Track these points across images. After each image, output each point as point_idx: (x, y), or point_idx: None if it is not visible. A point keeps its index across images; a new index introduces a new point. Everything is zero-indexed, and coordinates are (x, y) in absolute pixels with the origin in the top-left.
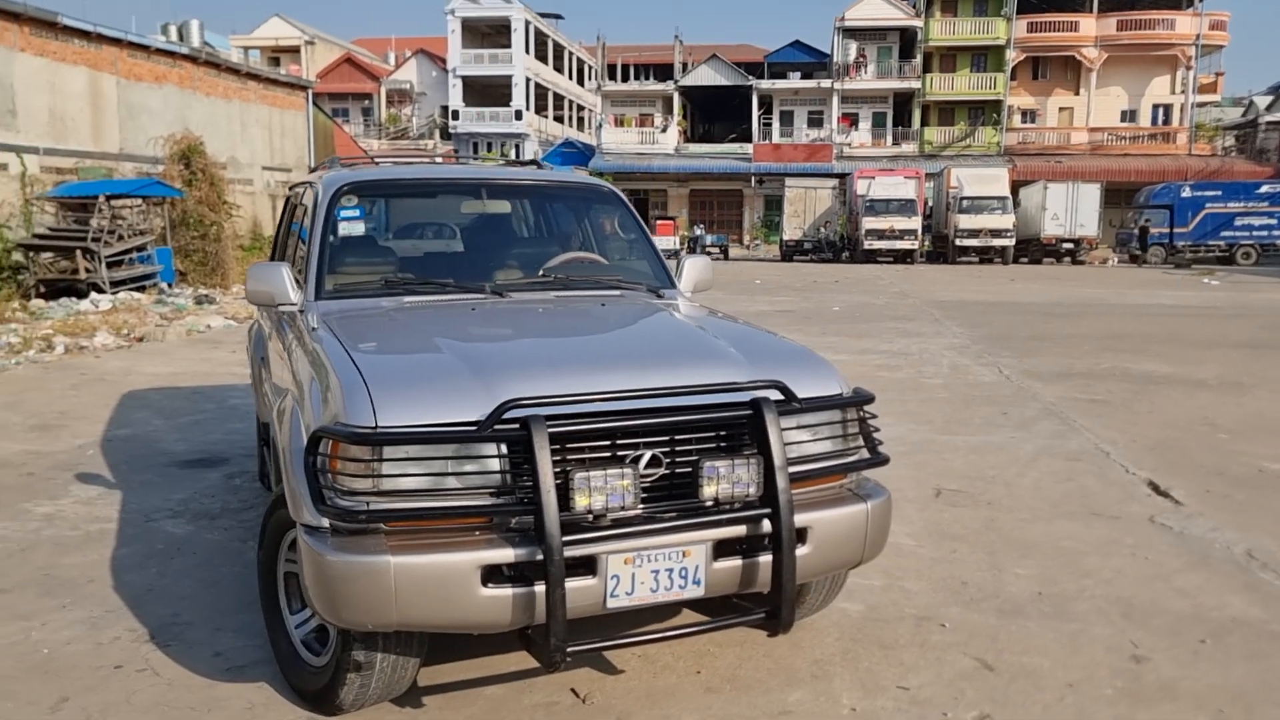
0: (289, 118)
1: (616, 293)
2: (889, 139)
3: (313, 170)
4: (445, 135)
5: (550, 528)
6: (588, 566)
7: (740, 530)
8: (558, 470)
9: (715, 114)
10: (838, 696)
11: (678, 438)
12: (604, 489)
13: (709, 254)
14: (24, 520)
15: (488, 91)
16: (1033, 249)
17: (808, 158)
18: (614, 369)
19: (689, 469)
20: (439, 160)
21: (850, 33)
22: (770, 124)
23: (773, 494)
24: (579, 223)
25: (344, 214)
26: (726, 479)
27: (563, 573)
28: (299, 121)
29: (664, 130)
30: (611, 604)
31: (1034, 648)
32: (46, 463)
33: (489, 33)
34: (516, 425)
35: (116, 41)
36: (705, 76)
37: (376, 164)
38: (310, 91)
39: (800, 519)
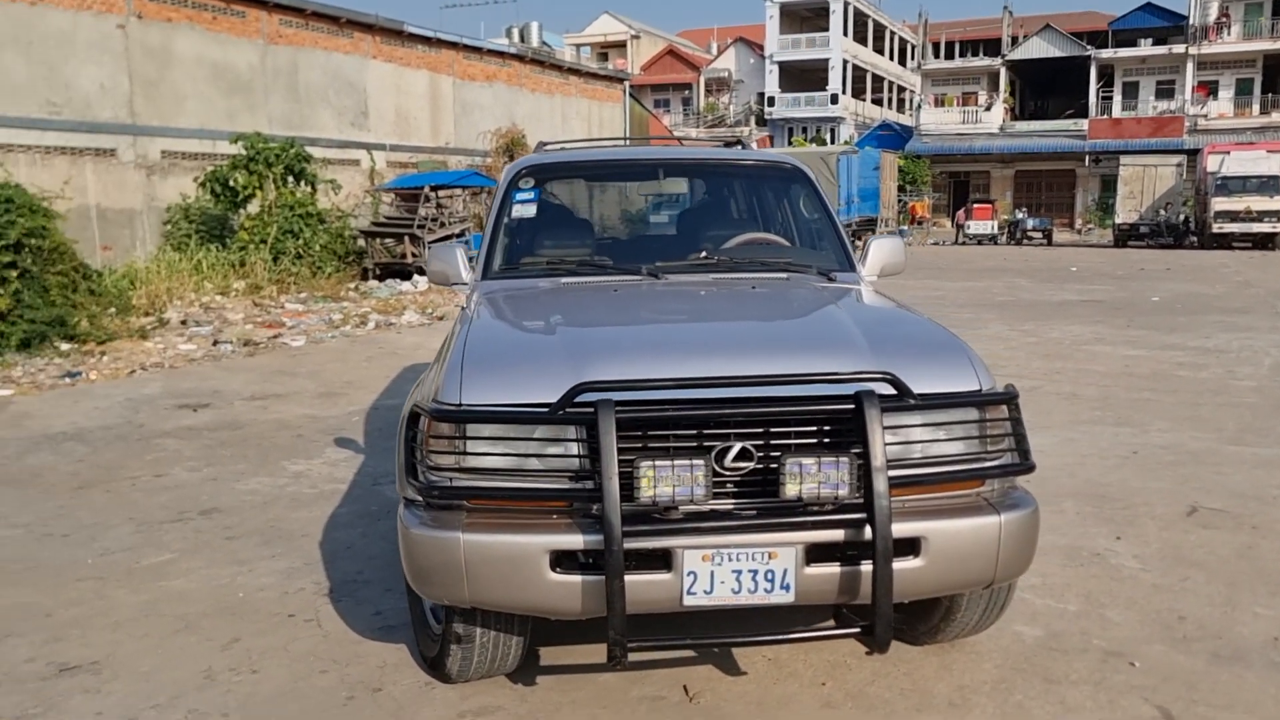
0: (607, 109)
1: (782, 276)
2: (1255, 108)
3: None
4: (761, 121)
5: (610, 516)
6: (664, 561)
7: (835, 535)
8: (631, 458)
9: (1047, 89)
10: None
11: (773, 430)
12: (670, 479)
13: (1030, 239)
14: (277, 476)
15: (804, 76)
16: None
17: (1153, 133)
18: (709, 354)
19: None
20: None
21: None
22: (1110, 97)
23: (871, 497)
24: (760, 202)
25: (519, 196)
26: (813, 477)
27: (621, 564)
28: (616, 113)
29: (988, 108)
30: (689, 602)
31: (1240, 702)
32: (318, 426)
33: (808, 16)
34: (589, 409)
35: (453, 45)
36: (1036, 49)
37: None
38: (627, 84)
39: (912, 527)
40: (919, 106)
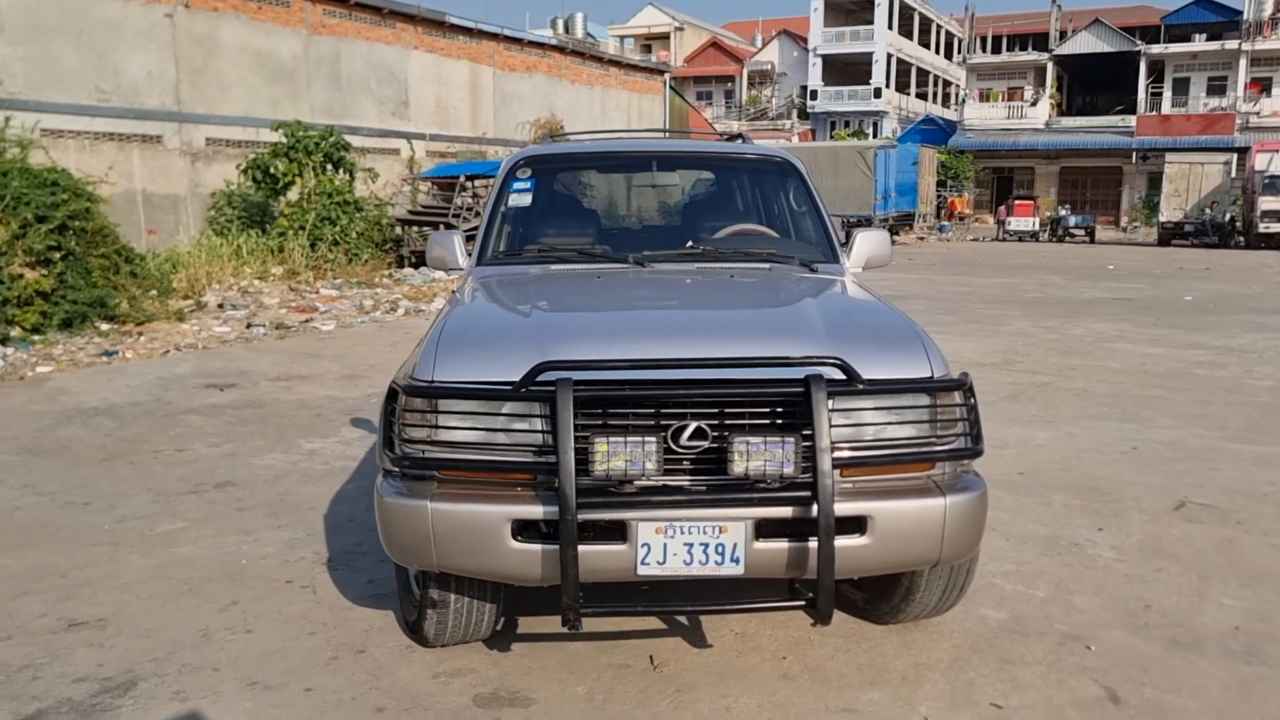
0: (646, 101)
1: (764, 266)
2: None
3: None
4: (803, 115)
5: (565, 487)
6: (620, 532)
7: (782, 511)
8: (590, 434)
9: (1095, 84)
10: (916, 704)
11: (728, 411)
12: (623, 454)
13: (1072, 236)
14: (292, 453)
15: (848, 70)
16: None
17: (1203, 130)
18: (669, 338)
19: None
20: (786, 139)
21: None
22: (1160, 94)
23: (816, 476)
24: (751, 194)
25: (516, 186)
26: (759, 456)
27: (574, 533)
28: (656, 105)
29: (1033, 104)
30: (642, 571)
31: (1188, 686)
32: (337, 407)
33: (853, 9)
34: (550, 387)
35: (494, 36)
36: (1085, 44)
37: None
38: (667, 76)
39: (859, 507)
40: (963, 101)
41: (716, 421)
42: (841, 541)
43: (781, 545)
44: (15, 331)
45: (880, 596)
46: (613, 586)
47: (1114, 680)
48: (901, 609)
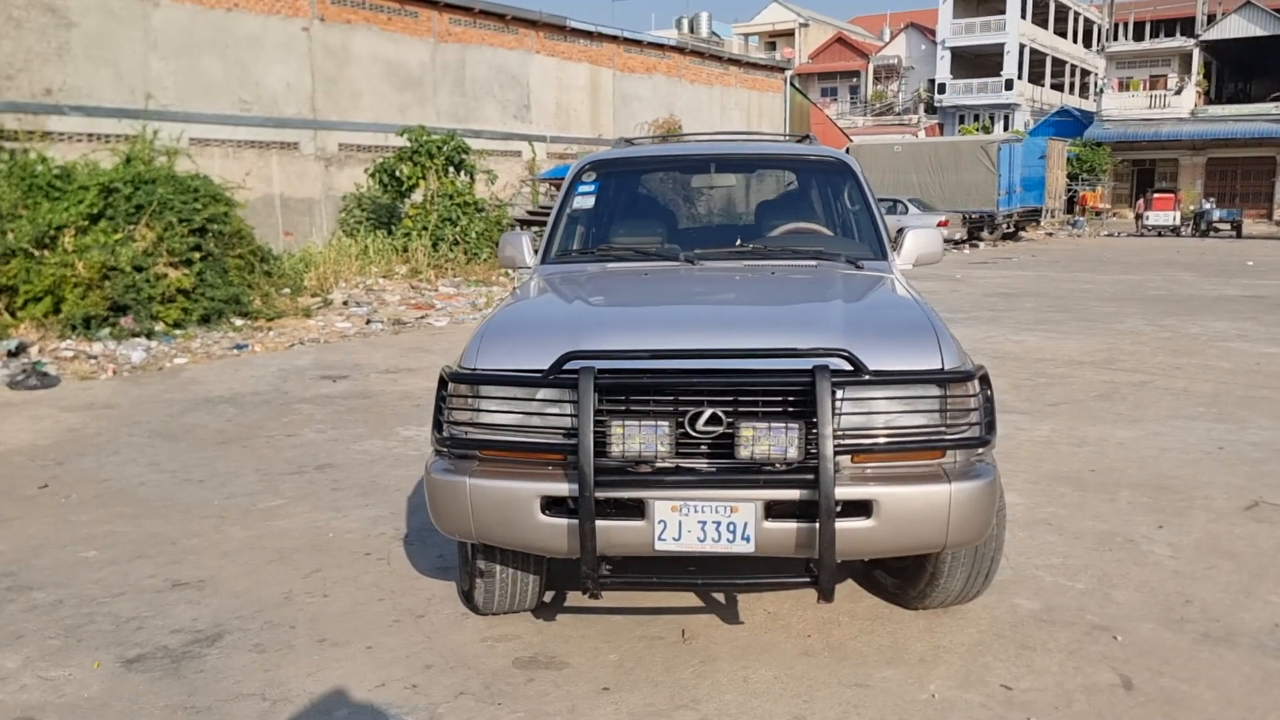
0: (767, 99)
1: (811, 263)
2: None
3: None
4: (930, 109)
5: (584, 466)
6: (639, 510)
7: (789, 494)
8: (609, 418)
9: (1247, 70)
10: (928, 682)
11: (742, 399)
12: (638, 437)
13: (1216, 231)
14: (389, 440)
15: (979, 62)
16: None
17: None
18: (691, 330)
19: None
20: (912, 134)
21: None
22: None
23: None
24: (806, 194)
25: (581, 189)
26: (764, 441)
27: (592, 508)
28: (776, 103)
29: (1177, 92)
30: (660, 546)
31: (1208, 678)
32: None
33: None
34: (575, 374)
35: (614, 39)
36: (1235, 27)
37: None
38: (788, 74)
39: (865, 491)
40: (1101, 91)
41: (731, 409)
42: (847, 524)
43: (790, 526)
44: (159, 326)
45: (908, 582)
46: (644, 560)
47: (1132, 669)
48: (928, 594)
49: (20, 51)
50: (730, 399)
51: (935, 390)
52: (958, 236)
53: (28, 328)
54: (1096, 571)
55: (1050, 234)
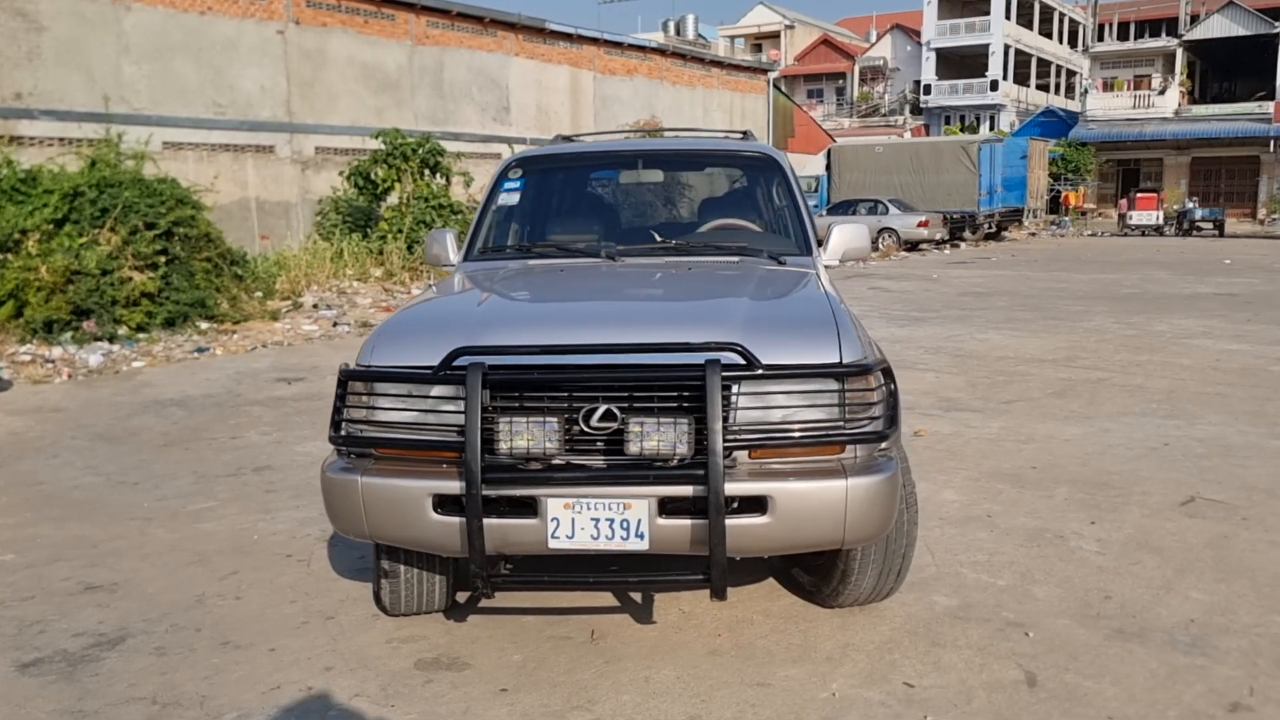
0: (749, 101)
1: (732, 259)
2: None
3: None
4: (916, 110)
5: (471, 463)
6: (531, 507)
7: (681, 490)
8: (502, 415)
9: (1231, 70)
10: (829, 681)
11: (637, 394)
12: (526, 434)
13: (1199, 230)
14: None
15: (963, 63)
16: None
17: None
18: (585, 326)
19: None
20: (898, 135)
21: None
22: None
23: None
24: (733, 190)
25: (506, 185)
26: (652, 437)
27: (479, 506)
28: (759, 104)
29: (1161, 92)
30: (553, 545)
31: (1113, 674)
32: None
33: (969, 0)
34: (464, 370)
35: (594, 41)
36: (1218, 27)
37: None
38: (770, 75)
39: (760, 487)
40: (1085, 91)
41: (626, 404)
42: (742, 520)
43: (684, 523)
44: (122, 330)
45: (822, 580)
46: (560, 560)
47: (1038, 665)
48: (840, 592)
49: None
50: (625, 394)
51: (833, 384)
52: (938, 236)
53: None
54: (1021, 568)
55: (1034, 234)
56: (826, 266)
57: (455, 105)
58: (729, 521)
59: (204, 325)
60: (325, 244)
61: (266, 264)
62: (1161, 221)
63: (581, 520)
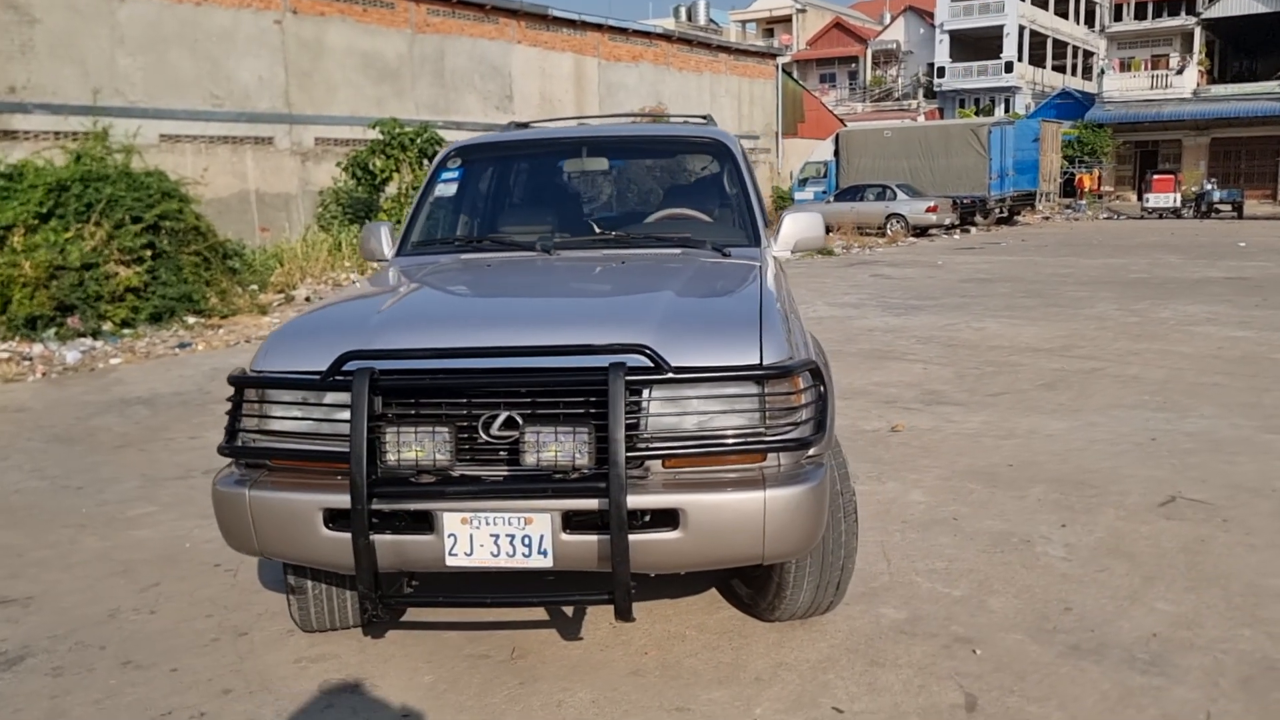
0: (758, 86)
1: (675, 251)
2: None
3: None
4: (929, 94)
5: (356, 476)
6: (428, 523)
7: (586, 503)
8: (395, 424)
9: (1252, 49)
10: (754, 705)
11: (539, 401)
12: (414, 444)
13: (1218, 212)
14: None
15: (978, 45)
16: None
17: None
18: (486, 327)
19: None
20: (911, 119)
21: None
22: None
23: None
24: (680, 177)
25: (444, 175)
26: (549, 447)
27: (365, 522)
28: (768, 90)
29: (1179, 72)
30: (451, 562)
31: (1061, 696)
32: None
33: None
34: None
35: (599, 27)
36: (1237, 5)
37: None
38: (779, 60)
39: (671, 500)
40: (1101, 72)
41: (529, 412)
42: (652, 535)
43: (591, 538)
44: (107, 325)
45: (759, 593)
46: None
47: (981, 687)
48: (776, 606)
49: None
50: (529, 401)
51: (752, 388)
52: (948, 221)
53: None
54: (980, 576)
55: (1047, 218)
56: (777, 257)
57: (457, 94)
58: (638, 537)
59: (191, 320)
60: (323, 235)
61: (264, 256)
62: (1179, 204)
63: (480, 536)
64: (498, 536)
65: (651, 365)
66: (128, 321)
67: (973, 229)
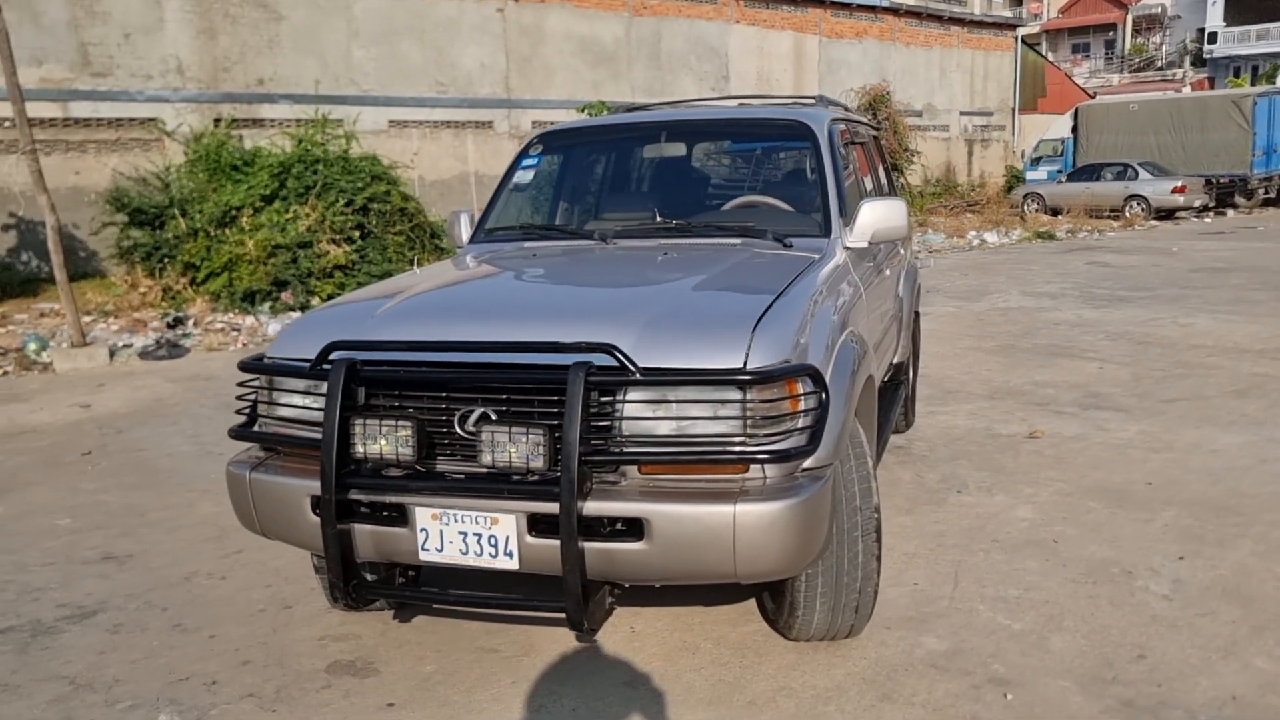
0: (993, 60)
1: (734, 241)
2: None
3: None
4: (1199, 62)
5: (325, 466)
6: (403, 516)
7: (547, 506)
8: (368, 415)
9: None
10: None
11: (515, 398)
12: (380, 437)
13: None
14: None
15: (1260, 5)
16: None
17: None
18: (470, 321)
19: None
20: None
21: None
22: None
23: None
24: (759, 162)
25: (524, 163)
26: (504, 447)
27: (333, 511)
28: (1004, 63)
29: None
30: (424, 557)
31: None
32: None
33: None
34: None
35: (821, 3)
36: None
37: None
38: (1018, 31)
39: (637, 508)
40: None
41: (504, 409)
42: (617, 545)
43: (555, 543)
44: (315, 300)
45: (777, 608)
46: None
47: None
48: (791, 624)
49: (236, 45)
50: (503, 398)
51: (734, 394)
52: (1198, 203)
53: (204, 302)
54: (1053, 609)
55: None
56: (850, 248)
57: (673, 75)
58: (602, 545)
59: None
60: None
61: None
62: None
63: (450, 533)
64: (465, 535)
65: (617, 365)
66: (334, 297)
67: (1230, 211)
